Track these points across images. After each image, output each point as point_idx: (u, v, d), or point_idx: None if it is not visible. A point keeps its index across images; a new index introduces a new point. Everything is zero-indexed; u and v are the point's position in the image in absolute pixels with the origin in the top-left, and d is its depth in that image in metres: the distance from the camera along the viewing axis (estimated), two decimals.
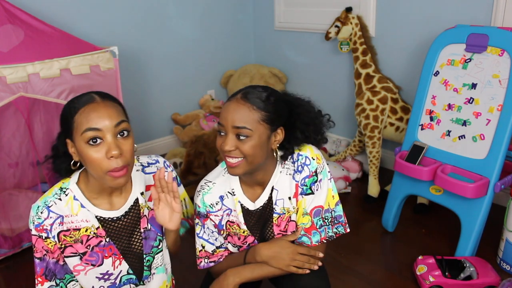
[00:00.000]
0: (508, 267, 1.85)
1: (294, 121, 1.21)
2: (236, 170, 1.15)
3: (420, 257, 1.84)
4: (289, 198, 1.26)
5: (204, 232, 1.31)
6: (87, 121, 1.01)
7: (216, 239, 1.32)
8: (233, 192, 1.27)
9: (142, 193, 1.20)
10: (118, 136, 1.04)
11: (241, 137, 1.12)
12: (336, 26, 2.63)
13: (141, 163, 1.24)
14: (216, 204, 1.28)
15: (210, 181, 1.29)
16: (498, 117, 1.76)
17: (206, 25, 3.32)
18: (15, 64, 1.81)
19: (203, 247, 1.33)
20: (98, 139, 1.02)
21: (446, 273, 1.72)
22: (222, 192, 1.28)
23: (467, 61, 1.89)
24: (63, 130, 1.09)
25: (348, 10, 2.60)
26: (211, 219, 1.29)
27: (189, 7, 3.19)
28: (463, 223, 1.84)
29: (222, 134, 1.14)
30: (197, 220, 1.31)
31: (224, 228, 1.30)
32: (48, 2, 2.51)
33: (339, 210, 1.30)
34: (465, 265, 1.74)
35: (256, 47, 3.65)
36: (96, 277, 1.18)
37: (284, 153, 1.23)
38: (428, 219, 2.28)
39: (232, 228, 1.30)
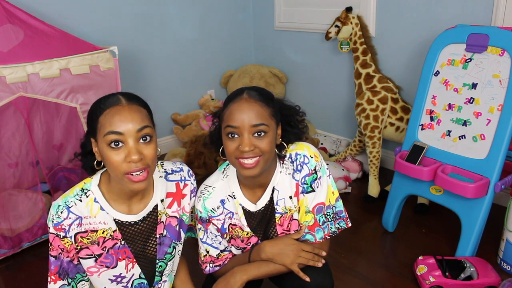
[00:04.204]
0: (508, 267, 1.85)
1: (281, 115, 1.24)
2: (254, 171, 1.14)
3: (420, 257, 1.84)
4: (290, 197, 1.26)
5: (208, 236, 1.31)
6: (110, 124, 1.01)
7: (220, 243, 1.32)
8: (233, 196, 1.27)
9: (162, 200, 1.20)
10: (140, 141, 1.04)
11: (260, 134, 1.12)
12: (336, 26, 2.63)
13: (165, 169, 1.23)
14: (218, 208, 1.28)
15: (210, 186, 1.29)
16: (499, 117, 1.76)
17: (206, 25, 3.32)
18: (15, 64, 1.80)
19: (208, 252, 1.33)
20: (119, 142, 1.01)
21: (447, 273, 1.72)
22: (223, 196, 1.28)
23: (467, 61, 1.89)
24: (89, 129, 1.10)
25: (348, 10, 2.60)
26: (213, 224, 1.29)
27: (189, 7, 3.19)
28: (463, 223, 1.84)
29: (236, 136, 1.13)
30: (199, 225, 1.31)
31: (227, 231, 1.30)
32: (48, 2, 2.51)
33: (340, 205, 1.31)
34: (465, 265, 1.74)
35: (256, 47, 3.65)
36: (109, 279, 1.18)
37: (280, 150, 1.24)
38: (428, 219, 2.28)
39: (235, 231, 1.30)
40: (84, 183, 1.14)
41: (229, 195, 1.27)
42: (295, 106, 1.29)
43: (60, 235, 1.10)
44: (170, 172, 1.24)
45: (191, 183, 1.26)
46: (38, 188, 2.18)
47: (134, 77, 2.97)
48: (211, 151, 2.72)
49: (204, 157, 2.71)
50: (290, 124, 1.25)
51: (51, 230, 1.10)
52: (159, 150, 1.14)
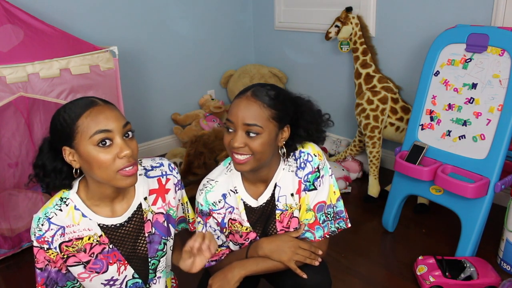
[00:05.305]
0: (508, 267, 1.85)
1: (298, 120, 1.23)
2: (244, 167, 1.16)
3: (420, 257, 1.84)
4: (292, 194, 1.27)
5: (206, 231, 1.32)
6: (96, 123, 1.00)
7: (218, 238, 1.33)
8: (235, 190, 1.28)
9: (145, 198, 1.19)
10: (125, 137, 1.04)
11: (251, 134, 1.13)
12: (336, 26, 2.63)
13: (144, 167, 1.22)
14: (219, 202, 1.28)
15: (213, 180, 1.30)
16: (499, 117, 1.76)
17: (206, 25, 3.32)
18: (15, 64, 1.80)
19: None
20: (108, 140, 1.01)
21: (446, 273, 1.72)
22: (225, 190, 1.28)
23: (467, 61, 1.89)
24: (58, 139, 1.05)
25: (348, 10, 2.60)
26: (213, 217, 1.30)
27: (189, 7, 3.19)
28: (463, 223, 1.84)
29: (231, 130, 1.15)
30: (199, 219, 1.31)
31: (226, 226, 1.31)
32: (48, 2, 2.51)
33: (340, 205, 1.32)
34: (465, 265, 1.74)
35: (256, 47, 3.65)
36: (102, 283, 1.18)
37: (287, 150, 1.24)
38: (428, 219, 2.28)
39: (234, 226, 1.30)
40: (63, 192, 1.12)
41: (231, 190, 1.28)
42: (324, 115, 1.29)
43: (44, 247, 1.09)
44: (150, 168, 1.22)
45: (174, 176, 1.24)
46: (38, 188, 2.18)
47: (134, 77, 2.97)
48: (211, 151, 2.74)
49: (204, 157, 2.70)
50: (308, 132, 1.25)
51: (35, 243, 1.09)
52: None
